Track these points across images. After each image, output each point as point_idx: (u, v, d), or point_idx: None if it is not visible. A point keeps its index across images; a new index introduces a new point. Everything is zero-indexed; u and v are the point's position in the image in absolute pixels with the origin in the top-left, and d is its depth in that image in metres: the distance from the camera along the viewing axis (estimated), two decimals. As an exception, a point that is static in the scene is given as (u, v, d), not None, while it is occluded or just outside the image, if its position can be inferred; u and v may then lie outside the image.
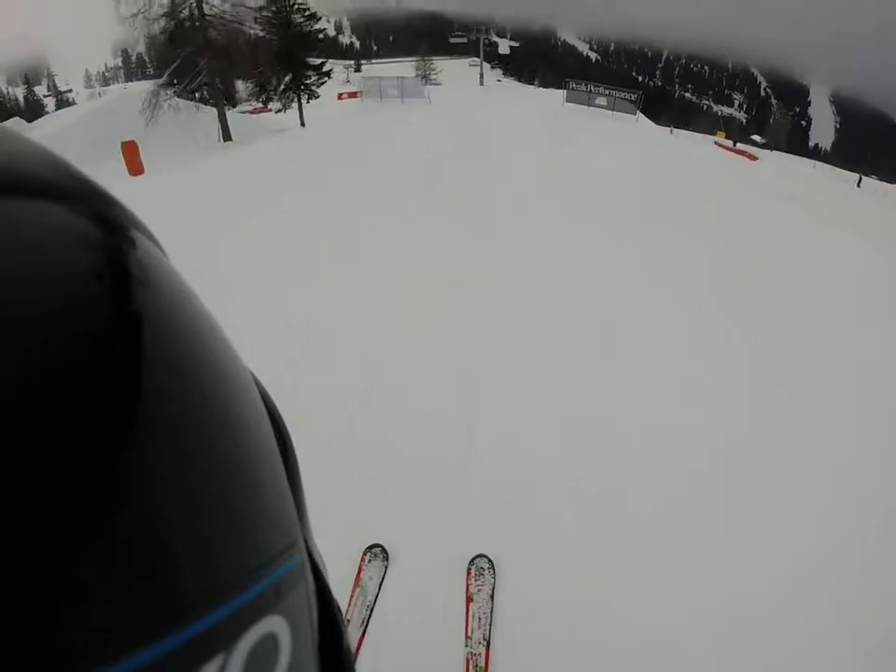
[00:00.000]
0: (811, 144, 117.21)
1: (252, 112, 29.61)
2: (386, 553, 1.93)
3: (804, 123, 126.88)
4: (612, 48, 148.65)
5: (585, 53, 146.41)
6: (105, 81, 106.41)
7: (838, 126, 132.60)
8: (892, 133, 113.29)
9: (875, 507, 2.29)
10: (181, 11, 14.09)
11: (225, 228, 4.88)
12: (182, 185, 6.79)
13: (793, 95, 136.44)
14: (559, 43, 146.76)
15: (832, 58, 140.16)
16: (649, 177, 7.66)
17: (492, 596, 1.81)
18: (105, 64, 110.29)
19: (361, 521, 2.03)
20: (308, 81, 19.24)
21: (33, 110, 62.97)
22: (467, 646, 1.68)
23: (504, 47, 78.98)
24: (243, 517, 0.15)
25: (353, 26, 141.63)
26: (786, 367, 3.24)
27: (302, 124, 17.20)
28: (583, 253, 4.64)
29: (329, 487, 2.15)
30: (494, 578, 1.86)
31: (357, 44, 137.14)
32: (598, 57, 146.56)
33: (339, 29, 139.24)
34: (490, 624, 1.73)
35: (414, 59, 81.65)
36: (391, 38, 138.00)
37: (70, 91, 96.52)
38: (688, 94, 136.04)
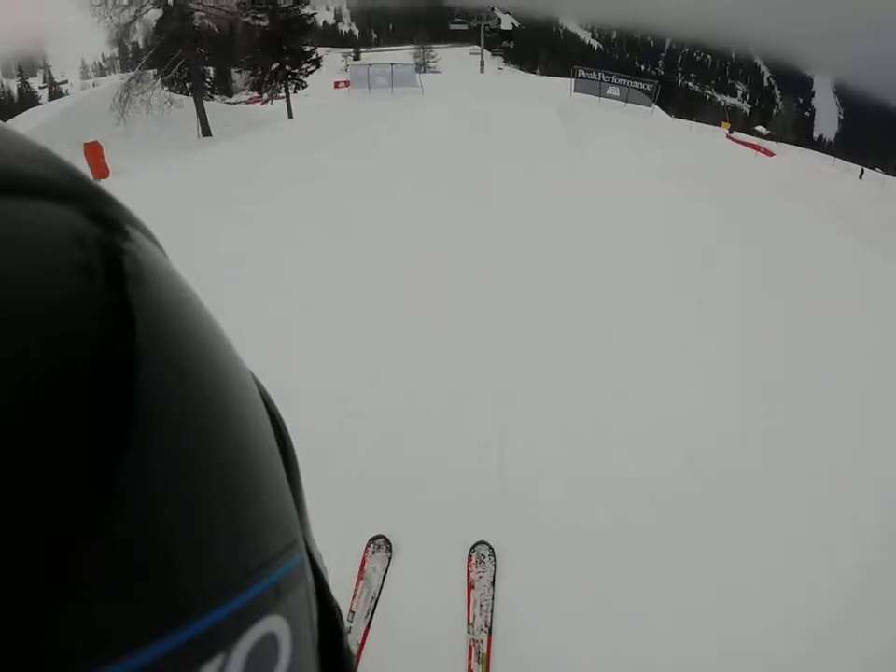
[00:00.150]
0: (815, 135, 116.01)
1: (247, 102, 29.06)
2: (389, 543, 1.93)
3: (807, 114, 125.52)
4: (615, 36, 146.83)
5: (587, 42, 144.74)
6: (102, 72, 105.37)
7: (842, 117, 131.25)
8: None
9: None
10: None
11: (186, 240, 4.44)
12: (147, 189, 6.26)
13: (797, 86, 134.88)
14: (561, 31, 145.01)
15: (836, 48, 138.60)
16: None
17: (493, 583, 1.83)
18: (102, 55, 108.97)
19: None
20: (296, 70, 17.92)
21: (25, 102, 62.25)
22: (469, 633, 1.68)
23: (506, 23, 78.41)
24: (243, 517, 0.15)
25: (353, 14, 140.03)
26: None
27: (290, 116, 16.43)
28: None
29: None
30: (494, 565, 1.88)
31: (357, 32, 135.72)
32: (601, 45, 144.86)
33: (338, 17, 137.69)
34: (492, 612, 1.74)
35: (414, 47, 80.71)
36: (391, 26, 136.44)
37: (66, 81, 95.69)
38: (691, 84, 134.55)
